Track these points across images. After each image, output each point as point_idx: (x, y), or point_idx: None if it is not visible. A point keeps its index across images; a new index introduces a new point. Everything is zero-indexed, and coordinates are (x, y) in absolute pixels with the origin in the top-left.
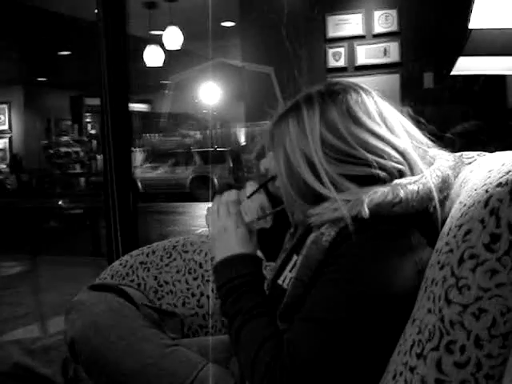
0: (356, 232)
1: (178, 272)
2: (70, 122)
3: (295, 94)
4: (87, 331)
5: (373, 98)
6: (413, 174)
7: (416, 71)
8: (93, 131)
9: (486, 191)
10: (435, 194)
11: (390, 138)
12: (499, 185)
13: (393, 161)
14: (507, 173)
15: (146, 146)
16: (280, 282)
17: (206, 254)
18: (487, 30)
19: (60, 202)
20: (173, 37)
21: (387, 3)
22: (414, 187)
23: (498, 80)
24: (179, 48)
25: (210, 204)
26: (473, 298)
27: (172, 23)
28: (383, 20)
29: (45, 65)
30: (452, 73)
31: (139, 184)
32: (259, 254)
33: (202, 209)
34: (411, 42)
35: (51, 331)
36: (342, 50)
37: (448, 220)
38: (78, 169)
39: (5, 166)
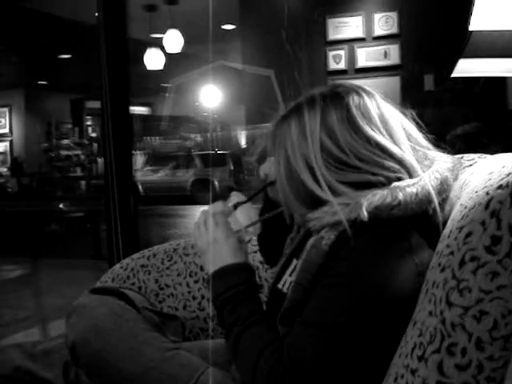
0: (355, 235)
1: (178, 275)
2: (70, 125)
3: (295, 97)
4: (88, 335)
5: (375, 100)
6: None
7: (416, 73)
8: (93, 134)
9: (487, 193)
10: (434, 196)
11: (388, 145)
12: (500, 187)
13: (389, 171)
14: (508, 175)
15: (147, 149)
16: (280, 286)
17: None
18: (487, 31)
19: (61, 205)
20: (173, 40)
21: (387, 5)
22: (412, 189)
23: (499, 82)
24: (179, 51)
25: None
26: (474, 301)
27: (172, 26)
28: (383, 22)
29: (45, 68)
30: (452, 75)
31: (140, 187)
32: (258, 259)
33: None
34: (411, 45)
35: (52, 334)
36: (342, 52)
37: (449, 222)
38: (78, 172)
39: (5, 170)
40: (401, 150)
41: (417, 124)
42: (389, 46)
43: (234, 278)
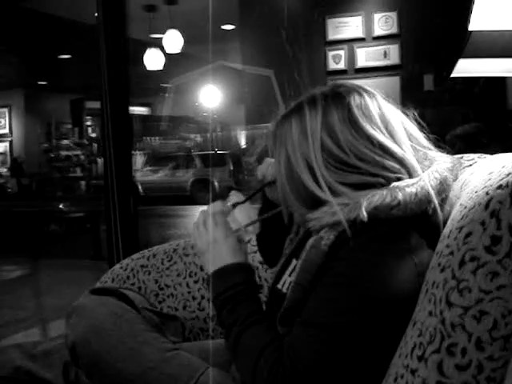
0: (354, 235)
1: (178, 275)
2: (70, 126)
3: (295, 97)
4: (88, 335)
5: (376, 100)
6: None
7: (416, 73)
8: (93, 134)
9: (487, 193)
10: (433, 196)
11: (389, 145)
12: (500, 187)
13: (389, 171)
14: (507, 175)
15: (147, 150)
16: (279, 286)
17: None
18: (487, 31)
19: (60, 206)
20: (173, 40)
21: (387, 6)
22: (411, 190)
23: (498, 82)
24: (179, 51)
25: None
26: (474, 301)
27: (172, 26)
28: (383, 22)
29: (45, 68)
30: (452, 75)
31: (140, 187)
32: (258, 259)
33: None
34: (411, 45)
35: (52, 335)
36: (342, 52)
37: (449, 222)
38: (78, 172)
39: (5, 170)
40: (402, 149)
41: (418, 124)
42: (388, 46)
43: (233, 278)
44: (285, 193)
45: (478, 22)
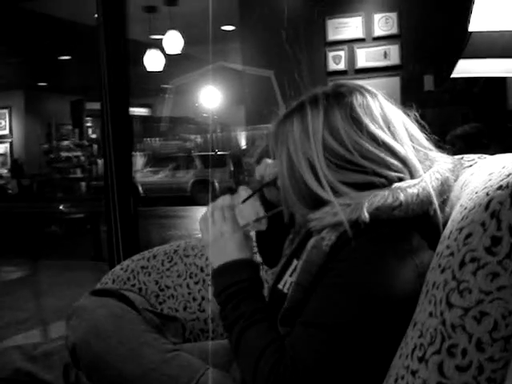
0: (356, 236)
1: (179, 276)
2: (70, 127)
3: (296, 98)
4: (88, 336)
5: (378, 100)
6: (413, 179)
7: (416, 74)
8: (93, 136)
9: (487, 194)
10: (435, 197)
11: (392, 143)
12: (500, 187)
13: (392, 170)
14: (508, 176)
15: (147, 150)
16: (280, 286)
17: (207, 259)
18: (487, 32)
19: (61, 207)
20: (173, 41)
21: (387, 6)
22: (413, 190)
23: (498, 82)
24: (179, 52)
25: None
26: (474, 302)
27: (172, 27)
28: (383, 23)
29: (45, 69)
30: (452, 75)
31: (140, 188)
32: (258, 258)
33: (203, 213)
34: (411, 45)
35: (52, 336)
36: (342, 53)
37: (449, 223)
38: (78, 173)
39: (6, 171)
40: (404, 149)
41: (419, 124)
42: (389, 47)
43: (238, 274)
44: (286, 193)
45: (478, 22)
